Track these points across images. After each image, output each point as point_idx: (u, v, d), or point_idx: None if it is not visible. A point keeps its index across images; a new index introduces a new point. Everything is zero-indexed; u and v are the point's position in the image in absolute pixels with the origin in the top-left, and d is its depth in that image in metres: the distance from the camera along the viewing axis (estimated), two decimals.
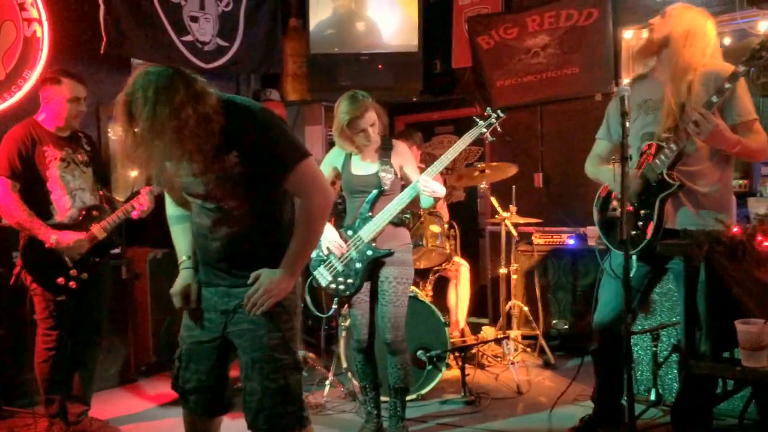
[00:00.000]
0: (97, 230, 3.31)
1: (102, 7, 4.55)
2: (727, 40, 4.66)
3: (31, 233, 3.19)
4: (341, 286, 3.23)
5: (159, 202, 3.02)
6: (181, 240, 2.34)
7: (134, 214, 3.34)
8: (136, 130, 1.95)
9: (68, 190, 3.32)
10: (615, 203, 2.86)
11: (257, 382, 2.14)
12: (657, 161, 2.65)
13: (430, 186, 3.10)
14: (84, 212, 3.34)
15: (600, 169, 3.00)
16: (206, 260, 2.24)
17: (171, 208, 2.39)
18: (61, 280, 3.20)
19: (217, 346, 2.24)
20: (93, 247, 3.29)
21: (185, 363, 2.28)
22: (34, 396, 3.49)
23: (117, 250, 3.70)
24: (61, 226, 3.25)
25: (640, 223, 2.71)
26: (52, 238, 3.17)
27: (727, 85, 2.51)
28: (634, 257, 2.72)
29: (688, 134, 2.55)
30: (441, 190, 3.15)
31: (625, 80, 2.97)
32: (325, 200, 2.21)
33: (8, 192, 3.17)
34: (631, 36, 5.08)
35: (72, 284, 3.22)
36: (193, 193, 2.18)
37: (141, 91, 1.94)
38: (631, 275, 2.69)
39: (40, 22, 4.41)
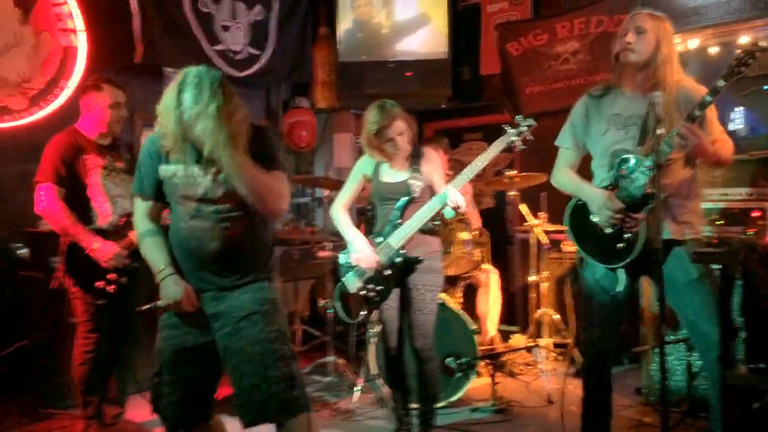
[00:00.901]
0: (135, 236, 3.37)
1: (136, 18, 4.66)
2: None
3: (74, 239, 3.26)
4: (370, 293, 3.25)
5: None
6: (157, 252, 2.35)
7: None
8: (185, 114, 2.11)
9: (110, 197, 3.38)
10: (596, 219, 2.78)
11: (259, 376, 2.20)
12: (639, 175, 2.64)
13: (454, 198, 3.08)
14: (124, 218, 3.40)
15: (583, 187, 2.88)
16: (197, 264, 2.31)
17: (145, 224, 2.40)
18: (100, 284, 3.27)
19: (204, 349, 2.31)
20: (131, 252, 3.34)
21: (167, 375, 2.30)
22: (71, 398, 3.57)
23: None
24: (101, 232, 3.31)
25: (627, 235, 2.68)
26: (94, 245, 3.24)
27: (708, 99, 2.53)
28: (622, 270, 2.72)
29: (672, 147, 2.56)
30: (463, 204, 3.14)
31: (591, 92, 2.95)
32: (283, 204, 2.30)
33: (55, 198, 3.25)
34: None
35: (110, 288, 3.29)
36: (189, 196, 2.26)
37: (203, 79, 2.11)
38: (620, 289, 2.73)
39: (76, 32, 4.52)
